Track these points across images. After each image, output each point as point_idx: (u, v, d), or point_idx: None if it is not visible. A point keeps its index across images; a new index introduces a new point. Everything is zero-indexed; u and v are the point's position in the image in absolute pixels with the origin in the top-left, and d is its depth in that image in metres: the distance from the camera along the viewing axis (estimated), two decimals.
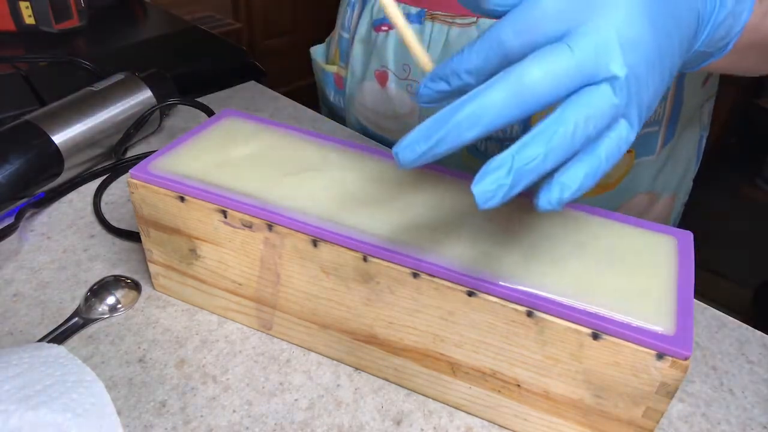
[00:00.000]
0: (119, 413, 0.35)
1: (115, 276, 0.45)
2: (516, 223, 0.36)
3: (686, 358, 0.29)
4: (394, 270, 0.34)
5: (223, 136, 0.43)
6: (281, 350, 0.41)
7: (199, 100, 0.65)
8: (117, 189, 0.56)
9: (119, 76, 0.61)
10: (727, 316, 0.46)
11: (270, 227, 0.36)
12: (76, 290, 0.44)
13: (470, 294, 0.32)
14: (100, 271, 0.46)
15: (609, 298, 0.31)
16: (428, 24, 0.52)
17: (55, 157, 0.53)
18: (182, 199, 0.38)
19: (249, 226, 0.37)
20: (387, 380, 0.39)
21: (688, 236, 0.36)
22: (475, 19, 0.50)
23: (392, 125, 0.58)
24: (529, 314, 0.31)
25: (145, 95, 0.61)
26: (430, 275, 0.33)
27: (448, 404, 0.38)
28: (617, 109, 0.25)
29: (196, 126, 0.44)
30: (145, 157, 0.48)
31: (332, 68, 0.64)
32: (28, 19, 0.78)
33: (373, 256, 0.34)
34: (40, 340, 0.40)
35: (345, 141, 0.44)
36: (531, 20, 0.25)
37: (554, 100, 0.25)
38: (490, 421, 0.37)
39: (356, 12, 0.58)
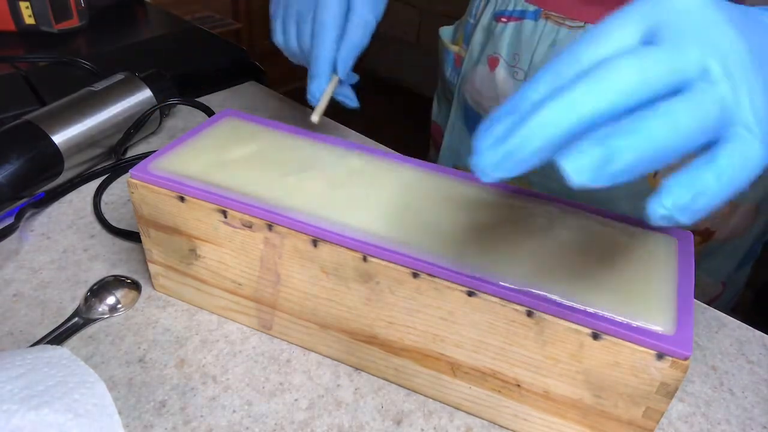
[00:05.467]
0: (119, 413, 0.35)
1: (115, 276, 0.45)
2: (515, 223, 0.36)
3: (686, 358, 0.29)
4: (394, 270, 0.34)
5: (223, 136, 0.43)
6: (281, 350, 0.41)
7: (199, 100, 0.65)
8: (117, 189, 0.56)
9: (119, 76, 0.61)
10: (727, 316, 0.46)
11: (270, 227, 0.36)
12: (76, 290, 0.45)
13: (470, 294, 0.32)
14: (100, 271, 0.46)
15: (609, 298, 0.31)
16: (542, 21, 0.57)
17: (55, 157, 0.53)
18: (182, 199, 0.38)
19: (249, 226, 0.37)
20: (387, 380, 0.39)
21: (688, 236, 0.36)
22: (583, 23, 0.54)
23: (492, 106, 0.63)
24: (529, 314, 0.31)
25: (145, 95, 0.61)
26: (430, 275, 0.33)
27: (448, 404, 0.38)
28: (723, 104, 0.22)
29: (196, 126, 0.44)
30: (145, 157, 0.48)
31: (455, 48, 0.70)
32: (28, 19, 0.78)
33: (373, 256, 0.34)
34: (40, 340, 0.40)
35: (345, 141, 0.44)
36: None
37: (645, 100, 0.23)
38: (490, 421, 0.37)
39: (483, 2, 0.65)
